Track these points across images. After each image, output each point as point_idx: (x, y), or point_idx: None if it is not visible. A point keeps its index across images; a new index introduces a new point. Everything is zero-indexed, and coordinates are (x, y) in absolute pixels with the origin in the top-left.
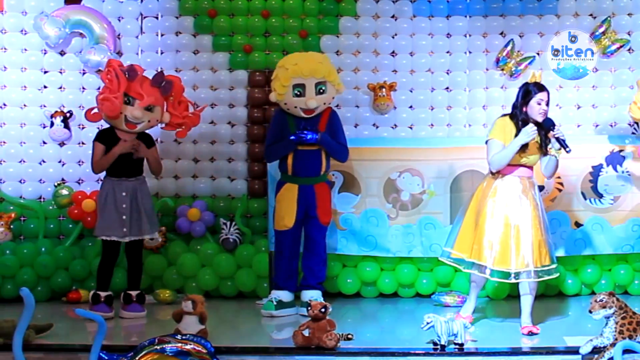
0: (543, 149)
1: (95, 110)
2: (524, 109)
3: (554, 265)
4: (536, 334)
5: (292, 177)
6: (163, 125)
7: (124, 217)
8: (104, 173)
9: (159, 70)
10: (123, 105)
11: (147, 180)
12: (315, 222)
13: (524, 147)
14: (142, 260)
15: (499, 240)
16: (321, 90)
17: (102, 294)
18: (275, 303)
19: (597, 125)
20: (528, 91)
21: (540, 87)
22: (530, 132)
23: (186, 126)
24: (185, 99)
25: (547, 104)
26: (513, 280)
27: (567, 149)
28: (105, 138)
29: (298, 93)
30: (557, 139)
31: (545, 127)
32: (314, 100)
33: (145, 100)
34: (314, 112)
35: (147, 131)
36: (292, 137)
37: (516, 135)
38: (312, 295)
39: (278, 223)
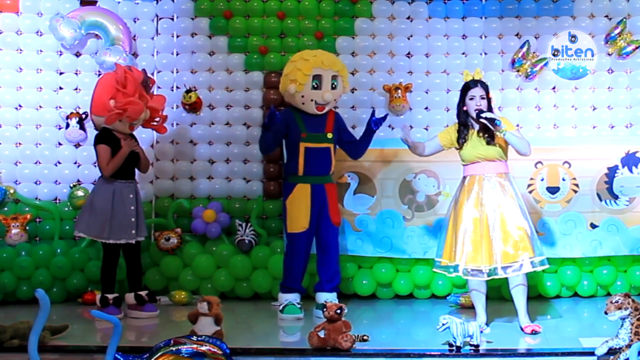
0: (488, 139)
1: (115, 112)
2: (464, 109)
3: (537, 257)
4: (539, 332)
5: (304, 177)
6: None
7: (133, 219)
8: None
9: (143, 69)
10: None
11: (164, 182)
12: (328, 223)
13: (462, 144)
14: (141, 260)
15: (469, 239)
16: (334, 86)
17: (110, 296)
18: (299, 306)
19: (612, 127)
20: (462, 89)
21: (473, 84)
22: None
23: (162, 118)
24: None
25: (484, 98)
26: (486, 278)
27: (496, 122)
28: (108, 140)
29: (315, 85)
30: (486, 120)
31: (477, 120)
32: (330, 93)
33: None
34: (324, 108)
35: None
36: (265, 121)
37: (458, 138)
38: (328, 298)
39: (294, 225)
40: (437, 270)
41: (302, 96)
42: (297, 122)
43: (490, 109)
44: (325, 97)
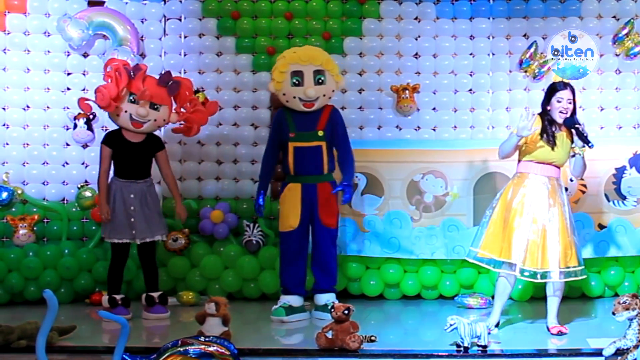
0: (572, 146)
1: (89, 101)
2: (548, 108)
3: (580, 267)
4: (565, 333)
5: (295, 177)
6: (173, 126)
7: (132, 219)
8: (111, 174)
9: (166, 70)
10: (128, 103)
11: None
12: (318, 224)
13: (552, 145)
14: (156, 261)
15: (527, 240)
16: (320, 81)
17: (118, 296)
18: (285, 308)
19: (620, 127)
20: (550, 90)
21: (562, 86)
22: (522, 120)
23: (189, 122)
24: (195, 99)
25: (571, 102)
26: (539, 280)
27: (590, 144)
28: (112, 140)
29: (296, 82)
30: (579, 133)
31: (566, 126)
32: (313, 89)
33: (146, 94)
34: (313, 105)
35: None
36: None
37: (540, 133)
38: (328, 299)
39: (283, 224)
40: (473, 261)
41: (284, 94)
42: (287, 122)
43: (574, 113)
44: (307, 93)
